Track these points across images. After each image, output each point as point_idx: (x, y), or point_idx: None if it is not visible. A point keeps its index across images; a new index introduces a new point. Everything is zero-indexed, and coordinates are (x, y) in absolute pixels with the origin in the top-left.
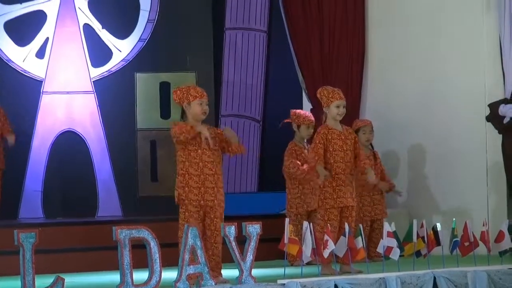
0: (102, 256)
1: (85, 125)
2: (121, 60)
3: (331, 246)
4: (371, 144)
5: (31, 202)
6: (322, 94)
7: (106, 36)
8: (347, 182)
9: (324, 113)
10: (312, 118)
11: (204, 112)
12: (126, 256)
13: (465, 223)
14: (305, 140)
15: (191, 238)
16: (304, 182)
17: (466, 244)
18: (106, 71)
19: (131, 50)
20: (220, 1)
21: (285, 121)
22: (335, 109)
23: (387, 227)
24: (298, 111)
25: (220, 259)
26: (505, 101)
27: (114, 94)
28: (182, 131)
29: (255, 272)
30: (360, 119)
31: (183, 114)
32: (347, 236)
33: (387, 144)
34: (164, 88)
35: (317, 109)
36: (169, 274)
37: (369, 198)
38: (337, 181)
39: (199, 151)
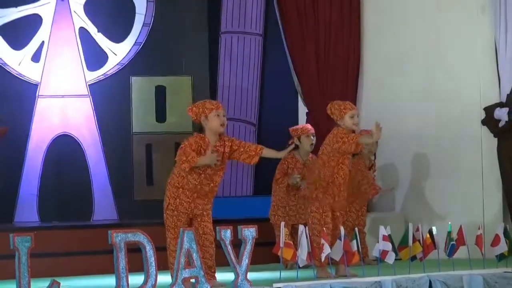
0: (98, 260)
1: (81, 129)
2: (117, 64)
3: (327, 249)
4: (374, 155)
5: (27, 206)
6: (333, 108)
7: (101, 40)
8: (343, 189)
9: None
10: (311, 127)
11: (222, 124)
12: (121, 259)
13: (460, 227)
14: (310, 155)
15: (186, 241)
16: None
17: (460, 247)
18: (102, 75)
19: (127, 54)
20: (216, 5)
21: (290, 142)
22: (349, 119)
23: (383, 231)
24: (295, 126)
25: (212, 262)
26: (501, 104)
27: (109, 97)
28: (184, 161)
29: (251, 275)
30: (364, 129)
31: (202, 130)
32: (342, 239)
33: (382, 148)
34: (160, 91)
35: (313, 113)
36: (165, 278)
37: (357, 207)
38: (338, 186)
39: (202, 175)
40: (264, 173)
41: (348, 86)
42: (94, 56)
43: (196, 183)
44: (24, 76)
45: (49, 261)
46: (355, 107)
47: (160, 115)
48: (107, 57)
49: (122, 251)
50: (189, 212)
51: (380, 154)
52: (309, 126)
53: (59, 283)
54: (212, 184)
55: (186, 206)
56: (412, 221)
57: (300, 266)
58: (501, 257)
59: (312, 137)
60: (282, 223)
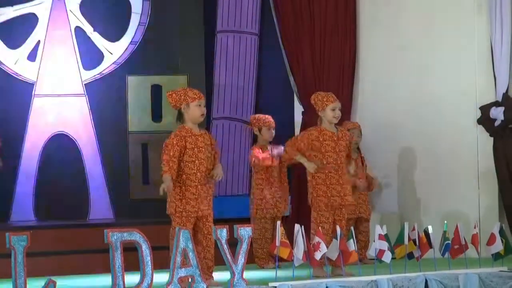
0: (94, 259)
1: (77, 128)
2: (113, 63)
3: (323, 248)
4: (358, 148)
5: (23, 205)
6: (316, 99)
7: (97, 39)
8: (341, 181)
9: (319, 118)
10: (272, 120)
11: (203, 114)
12: (117, 258)
13: (456, 226)
14: (269, 143)
15: (182, 241)
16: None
17: (456, 247)
18: (98, 74)
19: (123, 53)
20: (212, 4)
21: (247, 126)
22: (331, 112)
23: (379, 230)
24: (257, 115)
25: (212, 262)
26: (497, 103)
27: (105, 97)
28: (168, 167)
29: (247, 274)
30: (349, 121)
31: (180, 117)
32: (338, 238)
33: (378, 146)
34: (156, 91)
35: (308, 112)
36: (161, 277)
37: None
38: (331, 180)
39: (196, 161)
40: None
41: (344, 84)
42: (90, 55)
43: (194, 171)
44: (20, 75)
45: (45, 260)
46: (338, 100)
47: (156, 114)
48: (103, 56)
49: (118, 250)
50: (197, 209)
51: (375, 153)
52: (270, 118)
53: (55, 282)
54: (207, 180)
55: (193, 204)
56: (408, 221)
57: (296, 265)
58: (497, 256)
59: (272, 130)
60: (278, 222)
